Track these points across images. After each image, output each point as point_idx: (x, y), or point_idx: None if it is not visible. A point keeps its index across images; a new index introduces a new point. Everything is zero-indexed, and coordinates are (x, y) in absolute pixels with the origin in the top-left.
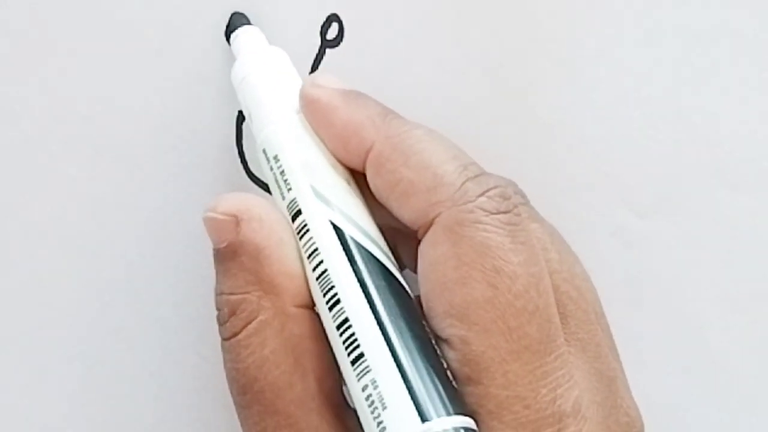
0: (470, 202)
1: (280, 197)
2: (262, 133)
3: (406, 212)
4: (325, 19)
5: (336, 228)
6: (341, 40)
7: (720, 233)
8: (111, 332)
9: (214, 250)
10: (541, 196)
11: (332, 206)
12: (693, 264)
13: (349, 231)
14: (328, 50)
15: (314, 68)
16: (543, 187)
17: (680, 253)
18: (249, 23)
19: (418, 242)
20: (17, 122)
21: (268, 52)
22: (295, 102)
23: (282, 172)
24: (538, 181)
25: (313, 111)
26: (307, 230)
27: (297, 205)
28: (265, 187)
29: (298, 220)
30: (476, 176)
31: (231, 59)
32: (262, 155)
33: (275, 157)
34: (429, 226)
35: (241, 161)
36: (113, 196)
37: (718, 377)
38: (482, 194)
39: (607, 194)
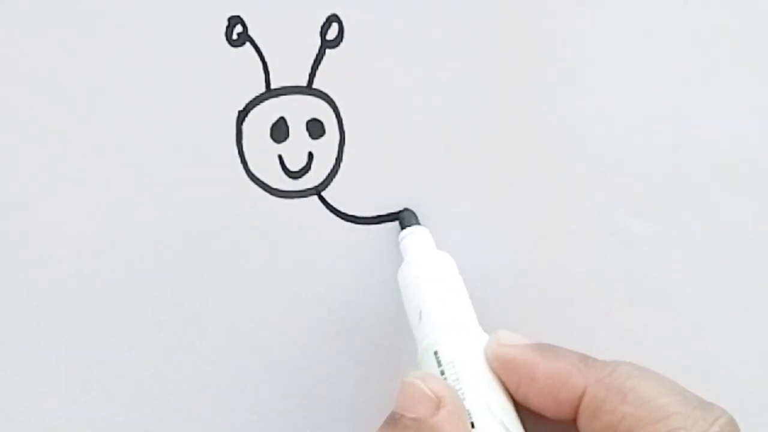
0: (705, 431)
1: None
2: (436, 334)
3: None
4: (324, 20)
5: None
6: (341, 40)
7: (719, 234)
8: (111, 332)
9: (396, 414)
10: (541, 196)
11: (508, 428)
12: (692, 264)
13: None
14: (327, 50)
15: (314, 68)
16: (543, 187)
17: (679, 253)
18: (419, 223)
19: None
20: (17, 122)
21: (441, 258)
22: (465, 312)
23: (457, 380)
24: (538, 182)
25: (509, 370)
26: None
27: (471, 417)
28: (265, 188)
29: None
30: (700, 404)
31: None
32: (431, 355)
33: (451, 362)
34: None
35: (241, 161)
36: (113, 196)
37: (718, 377)
38: (714, 422)
39: (607, 195)
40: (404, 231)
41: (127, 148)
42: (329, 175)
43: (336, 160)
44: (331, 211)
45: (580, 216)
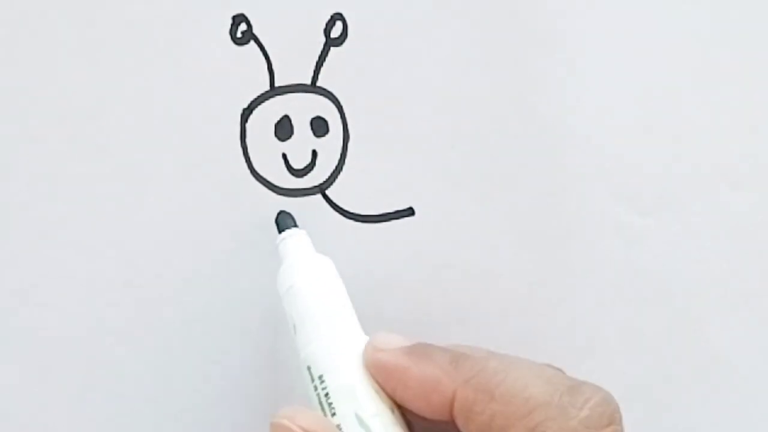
0: (572, 419)
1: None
2: (307, 348)
3: None
4: (329, 18)
5: None
6: (345, 38)
7: (720, 231)
8: (113, 333)
9: None
10: (543, 194)
11: None
12: (694, 261)
13: None
14: (331, 48)
15: (318, 67)
16: (544, 185)
17: (681, 250)
18: (296, 225)
19: None
20: (21, 120)
21: (315, 261)
22: (340, 318)
23: (327, 395)
24: (540, 180)
25: (384, 376)
26: None
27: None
28: (271, 187)
29: None
30: (568, 389)
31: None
32: (306, 371)
33: (320, 377)
34: None
35: (245, 159)
36: (117, 194)
37: (719, 374)
38: (582, 407)
39: (609, 193)
40: (281, 234)
41: (130, 146)
42: (333, 173)
43: (340, 158)
44: (335, 209)
45: (582, 213)
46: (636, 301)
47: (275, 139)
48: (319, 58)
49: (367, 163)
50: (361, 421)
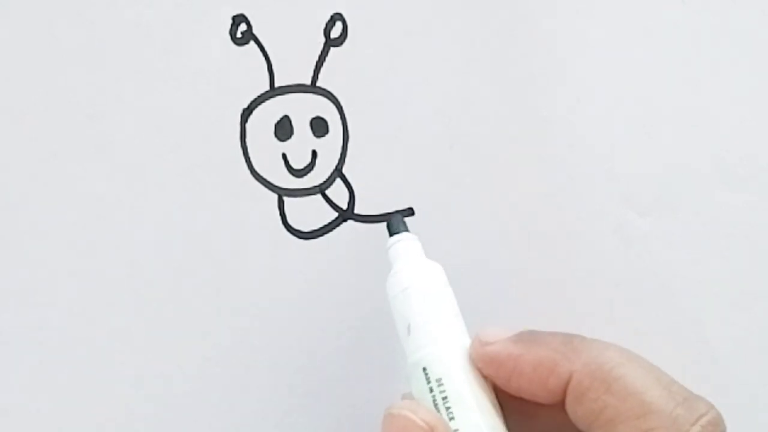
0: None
1: None
2: (424, 349)
3: None
4: (328, 18)
5: None
6: (345, 38)
7: (720, 230)
8: (113, 332)
9: None
10: (543, 194)
11: None
12: (693, 261)
13: None
14: (331, 49)
15: (318, 67)
16: (544, 186)
17: (681, 250)
18: (407, 229)
19: None
20: (21, 120)
21: (429, 266)
22: (454, 323)
23: (444, 398)
24: (540, 181)
25: (495, 368)
26: None
27: None
28: (271, 187)
29: None
30: (684, 401)
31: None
32: (421, 373)
33: (438, 380)
34: None
35: (245, 159)
36: (117, 195)
37: (718, 374)
38: (696, 422)
39: (609, 193)
40: (392, 238)
41: (130, 147)
42: (333, 173)
43: (340, 158)
44: (335, 209)
45: (582, 213)
46: (636, 300)
47: (275, 139)
48: (319, 58)
49: (367, 163)
50: (480, 430)
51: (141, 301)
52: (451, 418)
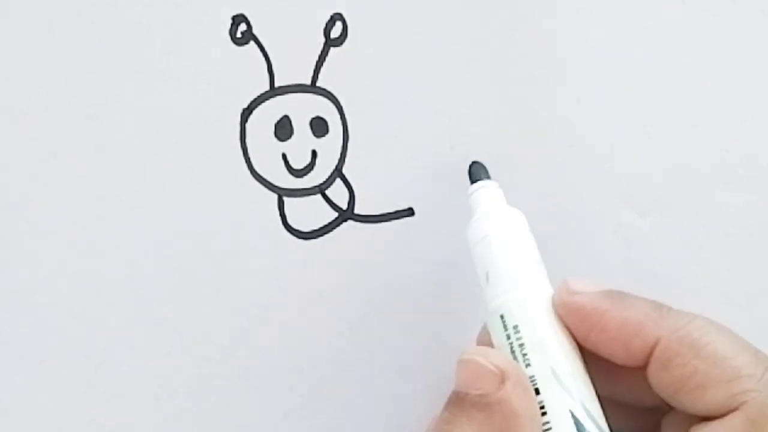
0: None
1: None
2: (502, 297)
3: (701, 403)
4: (328, 18)
5: (575, 419)
6: (345, 38)
7: (721, 230)
8: (113, 332)
9: (460, 392)
10: (543, 194)
11: (572, 395)
12: (693, 261)
13: (588, 426)
14: (331, 49)
15: (318, 67)
16: (544, 186)
17: (681, 250)
18: (489, 177)
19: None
20: (21, 120)
21: (510, 213)
22: (534, 271)
23: (521, 345)
24: (540, 180)
25: (579, 318)
26: (545, 412)
27: (535, 383)
28: (271, 187)
29: (537, 398)
30: None
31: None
32: (498, 320)
33: (515, 327)
34: (726, 414)
35: (245, 159)
36: (116, 195)
37: None
38: None
39: (609, 193)
40: (474, 185)
41: (130, 147)
42: (333, 173)
43: (340, 158)
44: (335, 209)
45: (582, 213)
46: None
47: (275, 139)
48: (319, 58)
49: (367, 163)
50: (556, 377)
51: (141, 301)
52: (528, 365)
